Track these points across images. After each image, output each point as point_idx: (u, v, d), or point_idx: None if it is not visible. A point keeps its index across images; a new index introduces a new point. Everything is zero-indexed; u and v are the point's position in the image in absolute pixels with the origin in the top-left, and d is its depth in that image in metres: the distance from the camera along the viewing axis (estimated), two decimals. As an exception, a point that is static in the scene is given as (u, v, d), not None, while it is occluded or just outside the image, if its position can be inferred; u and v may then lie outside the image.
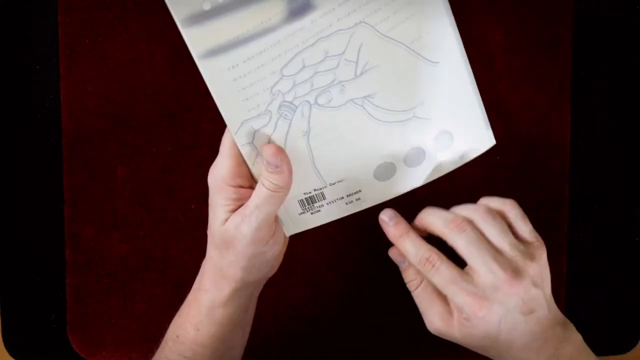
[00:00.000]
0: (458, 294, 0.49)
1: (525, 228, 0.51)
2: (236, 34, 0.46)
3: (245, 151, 0.49)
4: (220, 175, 0.49)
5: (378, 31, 0.49)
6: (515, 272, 0.48)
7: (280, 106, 0.49)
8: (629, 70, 0.62)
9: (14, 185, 0.60)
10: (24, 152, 0.60)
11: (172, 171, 0.60)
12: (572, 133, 0.61)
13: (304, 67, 0.48)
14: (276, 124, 0.49)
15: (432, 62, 0.50)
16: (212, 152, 0.59)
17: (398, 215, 0.53)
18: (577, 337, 0.51)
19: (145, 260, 0.61)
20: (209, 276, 0.51)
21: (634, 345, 0.64)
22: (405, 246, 0.51)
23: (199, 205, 0.60)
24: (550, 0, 0.60)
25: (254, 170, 0.50)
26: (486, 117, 0.52)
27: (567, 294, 0.63)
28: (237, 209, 0.49)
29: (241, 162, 0.50)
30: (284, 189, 0.48)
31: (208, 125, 0.59)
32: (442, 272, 0.49)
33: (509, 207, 0.52)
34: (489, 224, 0.50)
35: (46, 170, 0.60)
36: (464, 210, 0.52)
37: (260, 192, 0.48)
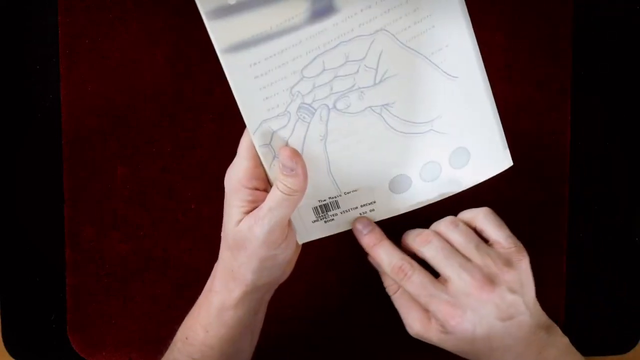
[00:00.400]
0: (431, 302, 0.49)
1: (498, 234, 0.51)
2: (259, 30, 0.46)
3: (262, 152, 0.50)
4: (236, 176, 0.49)
5: (398, 40, 0.49)
6: (488, 278, 0.49)
7: (299, 108, 0.49)
8: (629, 70, 0.62)
9: (14, 185, 0.60)
10: (24, 152, 0.60)
11: (172, 171, 0.60)
12: (572, 133, 0.61)
13: (324, 69, 0.49)
14: (294, 126, 0.50)
15: (452, 76, 0.50)
16: (212, 152, 0.60)
17: (372, 223, 0.53)
18: (562, 341, 0.51)
19: (145, 260, 0.61)
20: (220, 278, 0.51)
21: (634, 345, 0.64)
22: (379, 255, 0.52)
23: (199, 205, 0.60)
24: (550, 0, 0.60)
25: (270, 173, 0.50)
26: (504, 137, 0.52)
27: (567, 294, 0.63)
28: (251, 211, 0.49)
29: (258, 164, 0.50)
30: (299, 192, 0.48)
31: (208, 125, 0.59)
32: (414, 280, 0.50)
33: (480, 216, 0.52)
34: (452, 233, 0.51)
35: (46, 170, 0.60)
36: (434, 225, 0.52)
37: (274, 195, 0.48)
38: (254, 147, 0.50)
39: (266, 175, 0.50)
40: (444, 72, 0.50)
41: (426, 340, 0.51)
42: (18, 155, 0.60)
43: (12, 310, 0.62)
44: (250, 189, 0.49)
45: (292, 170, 0.48)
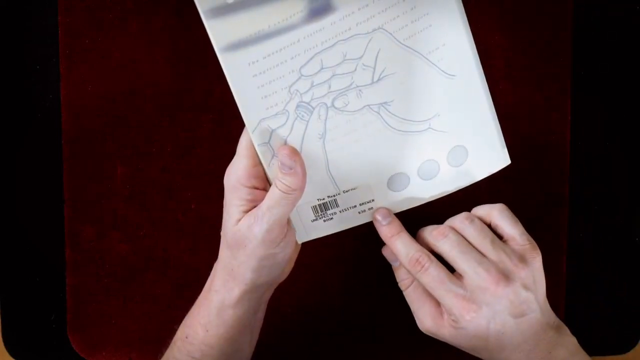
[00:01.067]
0: (446, 296, 0.49)
1: (513, 231, 0.51)
2: (257, 29, 0.47)
3: (261, 151, 0.50)
4: (235, 175, 0.50)
5: (396, 39, 0.49)
6: (503, 274, 0.49)
7: (297, 106, 0.49)
8: (629, 70, 0.62)
9: (14, 185, 0.60)
10: (24, 152, 0.60)
11: (172, 171, 0.60)
12: (572, 133, 0.61)
13: (322, 68, 0.49)
14: (293, 124, 0.50)
15: (449, 74, 0.50)
16: (212, 152, 0.60)
17: (392, 215, 0.53)
18: (571, 341, 0.51)
19: (145, 260, 0.61)
20: (220, 277, 0.51)
21: (634, 345, 0.64)
22: (397, 246, 0.52)
23: (199, 205, 0.60)
24: (550, 0, 0.60)
25: (269, 172, 0.50)
26: (502, 135, 0.52)
27: (567, 294, 0.63)
28: (250, 210, 0.49)
29: (257, 163, 0.50)
30: (297, 191, 0.48)
31: (208, 125, 0.59)
32: (431, 273, 0.50)
33: (495, 212, 0.52)
34: (467, 228, 0.51)
35: (46, 170, 0.60)
36: (449, 220, 0.52)
37: (273, 194, 0.48)
38: (253, 145, 0.50)
39: (265, 174, 0.50)
40: (442, 70, 0.50)
41: (437, 337, 0.51)
42: (18, 155, 0.60)
43: (12, 310, 0.62)
44: (249, 187, 0.49)
45: (290, 168, 0.48)
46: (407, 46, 0.49)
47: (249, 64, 0.47)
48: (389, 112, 0.51)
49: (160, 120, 0.59)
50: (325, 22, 0.47)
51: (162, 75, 0.59)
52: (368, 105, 0.50)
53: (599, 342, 0.64)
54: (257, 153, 0.50)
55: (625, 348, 0.64)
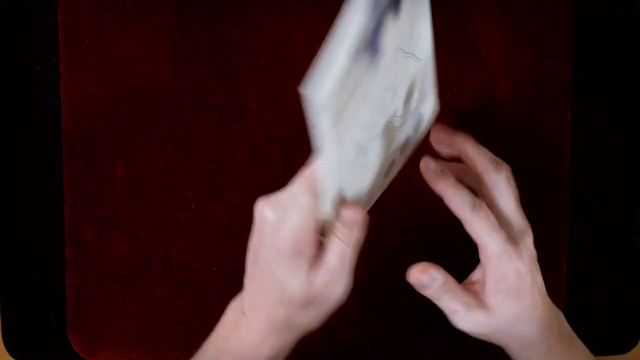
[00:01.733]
0: (496, 239, 0.49)
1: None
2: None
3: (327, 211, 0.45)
4: (300, 238, 0.45)
5: (408, 53, 0.47)
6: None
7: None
8: (629, 70, 0.62)
9: (14, 185, 0.60)
10: (24, 152, 0.60)
11: (172, 171, 0.60)
12: (572, 133, 0.61)
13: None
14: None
15: (419, 59, 0.48)
16: (212, 152, 0.60)
17: (442, 164, 0.51)
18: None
19: (145, 260, 0.61)
20: (270, 330, 0.48)
21: (634, 345, 0.64)
22: (454, 196, 0.49)
23: (199, 205, 0.60)
24: (550, 0, 0.60)
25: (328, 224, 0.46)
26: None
27: (567, 294, 0.63)
28: (313, 263, 0.45)
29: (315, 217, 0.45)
30: (362, 238, 0.46)
31: (208, 125, 0.59)
32: (489, 216, 0.49)
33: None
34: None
35: (46, 170, 0.60)
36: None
37: (342, 252, 0.45)
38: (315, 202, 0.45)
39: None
40: (415, 57, 0.47)
41: (482, 317, 0.50)
42: (18, 155, 0.60)
43: (12, 310, 0.62)
44: (313, 245, 0.45)
45: (356, 224, 0.46)
46: (409, 52, 0.47)
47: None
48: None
49: (160, 120, 0.59)
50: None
51: (162, 75, 0.59)
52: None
53: (599, 342, 0.64)
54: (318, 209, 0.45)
55: (625, 348, 0.64)
